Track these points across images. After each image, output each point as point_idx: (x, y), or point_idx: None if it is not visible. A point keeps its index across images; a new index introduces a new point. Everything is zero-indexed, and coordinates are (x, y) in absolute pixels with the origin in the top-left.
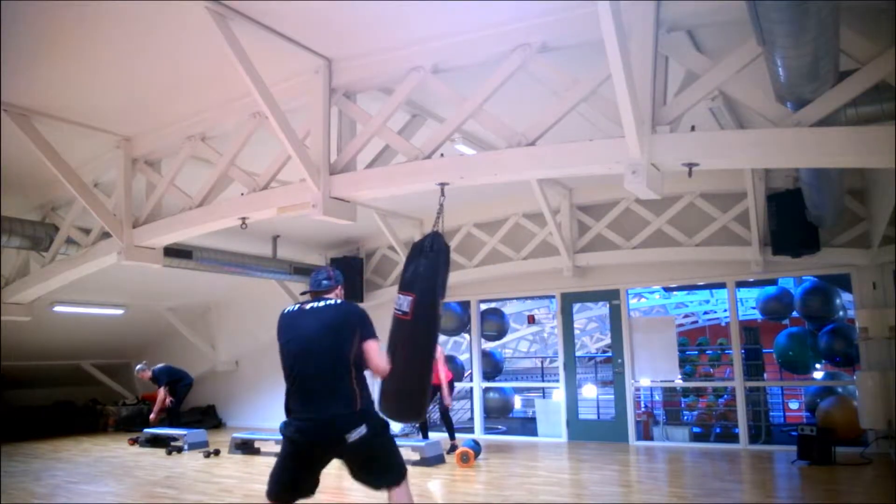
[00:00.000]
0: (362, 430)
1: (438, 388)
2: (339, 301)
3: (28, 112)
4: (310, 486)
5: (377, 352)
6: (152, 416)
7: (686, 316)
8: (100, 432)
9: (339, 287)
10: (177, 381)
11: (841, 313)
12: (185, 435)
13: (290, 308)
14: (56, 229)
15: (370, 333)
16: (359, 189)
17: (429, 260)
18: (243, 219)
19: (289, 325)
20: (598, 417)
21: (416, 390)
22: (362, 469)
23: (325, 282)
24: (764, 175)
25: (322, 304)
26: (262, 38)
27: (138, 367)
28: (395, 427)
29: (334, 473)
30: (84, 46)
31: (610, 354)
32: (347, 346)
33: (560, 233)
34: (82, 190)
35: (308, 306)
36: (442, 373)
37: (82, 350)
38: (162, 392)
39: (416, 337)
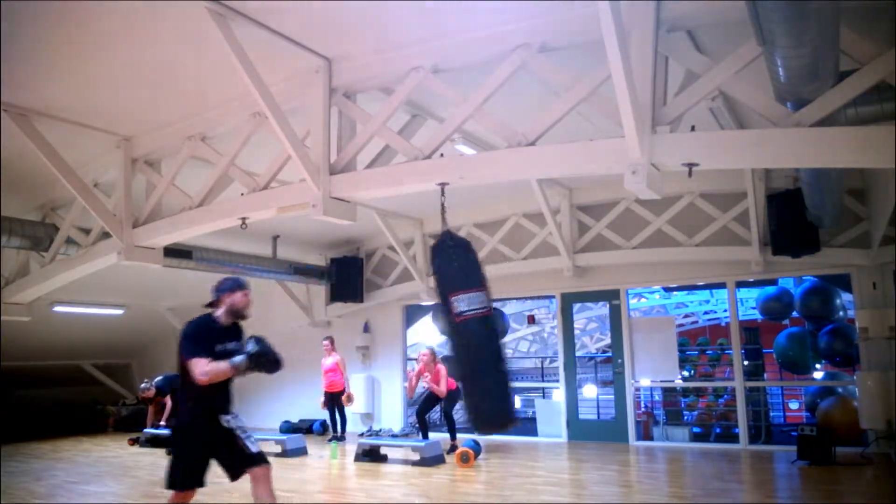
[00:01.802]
0: None
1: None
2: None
3: (28, 112)
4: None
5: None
6: (163, 422)
7: (686, 316)
8: (100, 432)
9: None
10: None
11: (841, 313)
12: None
13: None
14: (56, 229)
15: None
16: (359, 189)
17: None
18: (243, 219)
19: None
20: (599, 417)
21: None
22: None
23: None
24: (764, 175)
25: None
26: (262, 38)
27: (142, 386)
28: (395, 427)
29: (334, 473)
30: (84, 46)
31: (610, 354)
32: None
33: (560, 233)
34: (82, 190)
35: None
36: (443, 383)
37: (82, 350)
38: (169, 400)
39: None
